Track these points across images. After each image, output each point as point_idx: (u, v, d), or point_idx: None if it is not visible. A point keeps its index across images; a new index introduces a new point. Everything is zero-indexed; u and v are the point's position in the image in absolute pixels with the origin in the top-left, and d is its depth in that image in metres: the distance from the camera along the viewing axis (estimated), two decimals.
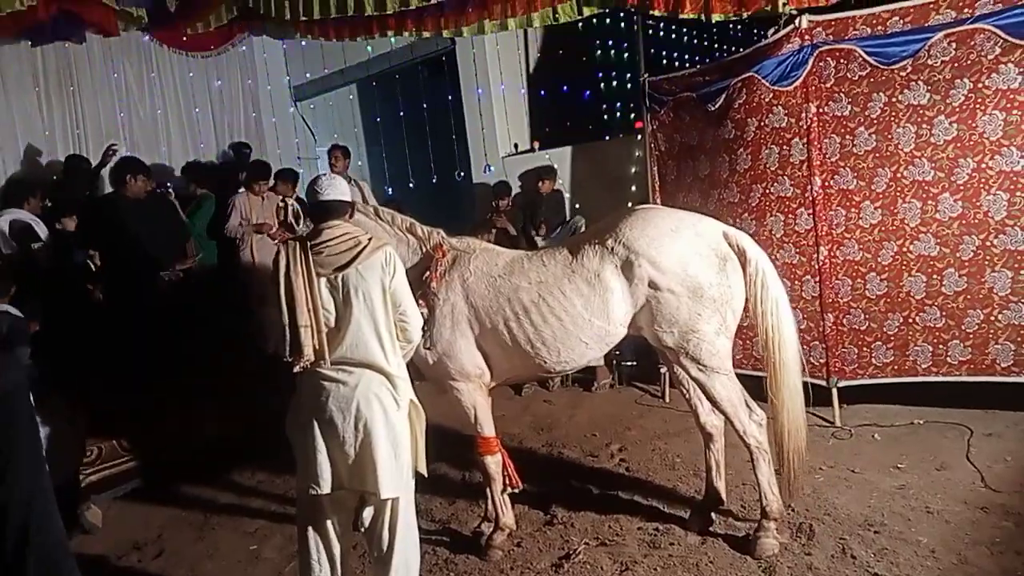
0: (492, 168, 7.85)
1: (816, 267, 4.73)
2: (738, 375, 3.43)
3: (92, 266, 5.59)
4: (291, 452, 2.90)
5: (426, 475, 2.99)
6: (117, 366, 4.99)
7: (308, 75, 9.44)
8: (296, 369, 2.77)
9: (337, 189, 2.94)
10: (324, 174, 3.10)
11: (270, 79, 9.20)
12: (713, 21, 5.01)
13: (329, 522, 2.92)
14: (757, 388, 3.48)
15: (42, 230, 5.11)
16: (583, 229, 6.96)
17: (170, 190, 6.63)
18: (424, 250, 3.54)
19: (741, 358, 4.92)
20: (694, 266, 3.23)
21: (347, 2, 5.57)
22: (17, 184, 5.84)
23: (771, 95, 4.73)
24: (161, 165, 7.77)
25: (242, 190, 6.45)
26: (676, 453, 4.56)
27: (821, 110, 4.58)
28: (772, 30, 4.82)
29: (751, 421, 3.32)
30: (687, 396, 3.61)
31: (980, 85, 4.10)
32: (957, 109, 4.20)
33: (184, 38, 7.27)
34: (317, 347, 2.75)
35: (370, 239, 2.88)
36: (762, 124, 4.82)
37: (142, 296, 5.60)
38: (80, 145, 7.36)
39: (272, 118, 9.24)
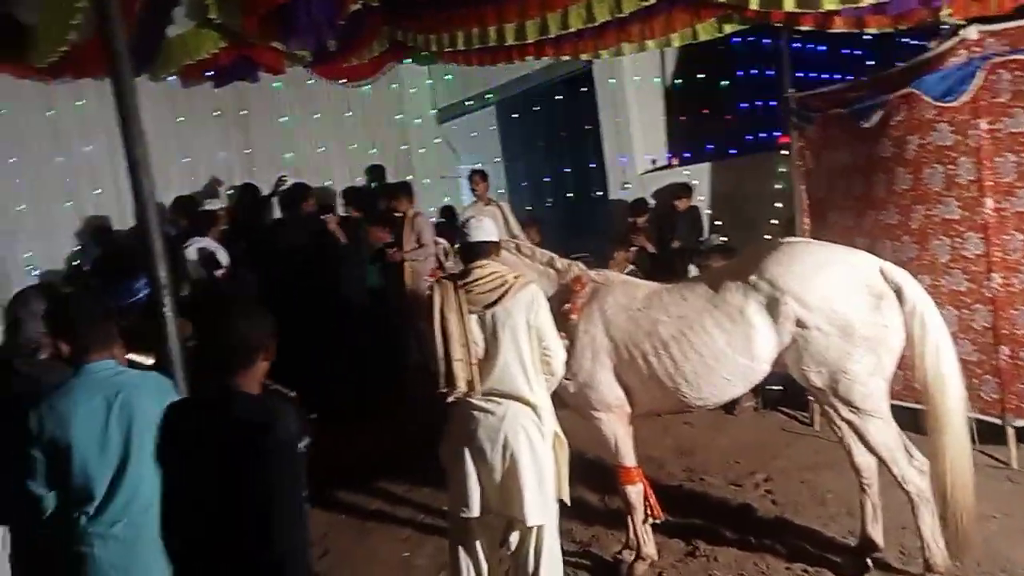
0: (629, 185, 7.85)
1: (989, 295, 4.37)
2: (898, 407, 3.26)
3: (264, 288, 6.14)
4: (438, 467, 3.10)
5: (569, 503, 3.10)
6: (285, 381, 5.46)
7: (450, 98, 9.87)
8: (450, 399, 2.98)
9: (484, 230, 3.13)
10: (472, 217, 3.29)
11: (417, 112, 9.75)
12: (866, 34, 4.83)
13: (478, 542, 3.12)
14: (919, 421, 3.29)
15: (224, 257, 5.71)
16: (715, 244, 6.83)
17: (334, 215, 7.16)
18: (562, 282, 3.64)
19: (901, 389, 4.62)
20: (844, 303, 3.11)
21: (489, 34, 5.78)
22: (202, 214, 6.54)
23: (934, 111, 4.42)
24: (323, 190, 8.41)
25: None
26: (827, 487, 4.37)
27: (993, 127, 4.23)
28: (933, 42, 4.51)
29: (911, 467, 3.14)
30: (840, 435, 3.46)
31: None
32: None
33: (340, 70, 7.84)
34: (469, 379, 2.95)
35: (516, 277, 3.04)
36: (924, 142, 4.52)
37: (305, 314, 6.11)
38: (252, 175, 8.12)
39: (420, 149, 9.77)
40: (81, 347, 2.54)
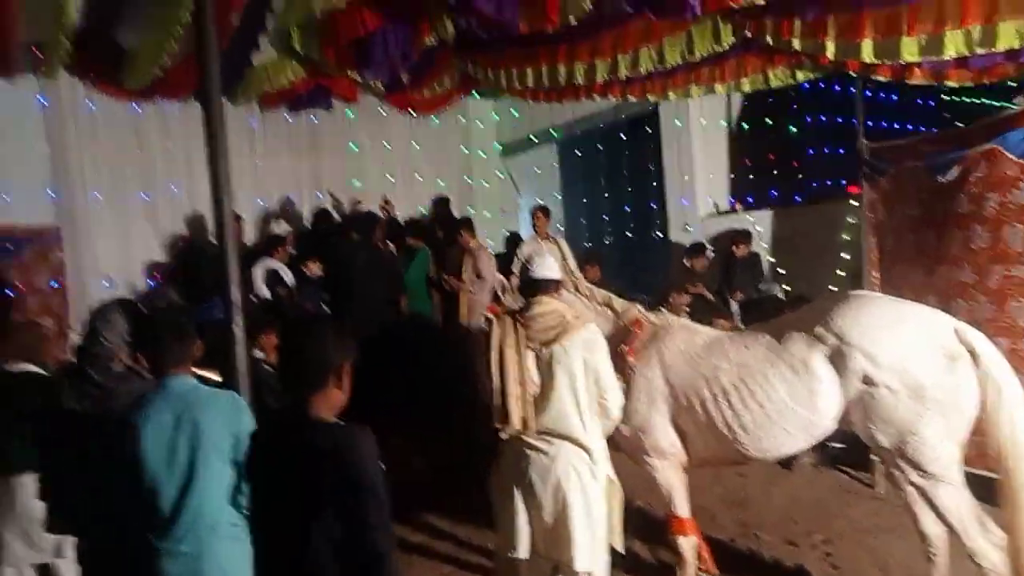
0: (691, 228, 7.78)
1: None
2: (971, 475, 3.10)
3: (326, 308, 6.28)
4: (485, 503, 3.07)
5: (623, 551, 3.03)
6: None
7: (515, 133, 10.02)
8: (503, 435, 2.96)
9: (547, 267, 3.13)
10: (537, 253, 3.31)
11: (482, 145, 9.91)
12: (947, 87, 4.73)
13: None
14: (993, 491, 3.12)
15: (288, 277, 5.87)
16: (775, 293, 6.69)
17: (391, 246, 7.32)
18: (619, 323, 3.61)
19: (974, 456, 4.40)
20: (916, 362, 3.01)
21: (559, 73, 5.85)
22: (269, 235, 6.75)
23: (1018, 169, 4.28)
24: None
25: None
26: (889, 553, 4.16)
27: None
28: (1019, 98, 4.39)
29: (984, 541, 2.97)
30: (906, 499, 3.31)
31: None
32: None
33: (411, 101, 8.07)
34: (524, 417, 2.93)
35: (576, 316, 3.03)
36: (1005, 200, 4.36)
37: (361, 337, 6.22)
38: (320, 200, 8.35)
39: (483, 182, 9.92)
40: (162, 362, 2.63)
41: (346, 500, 1.79)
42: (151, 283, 6.82)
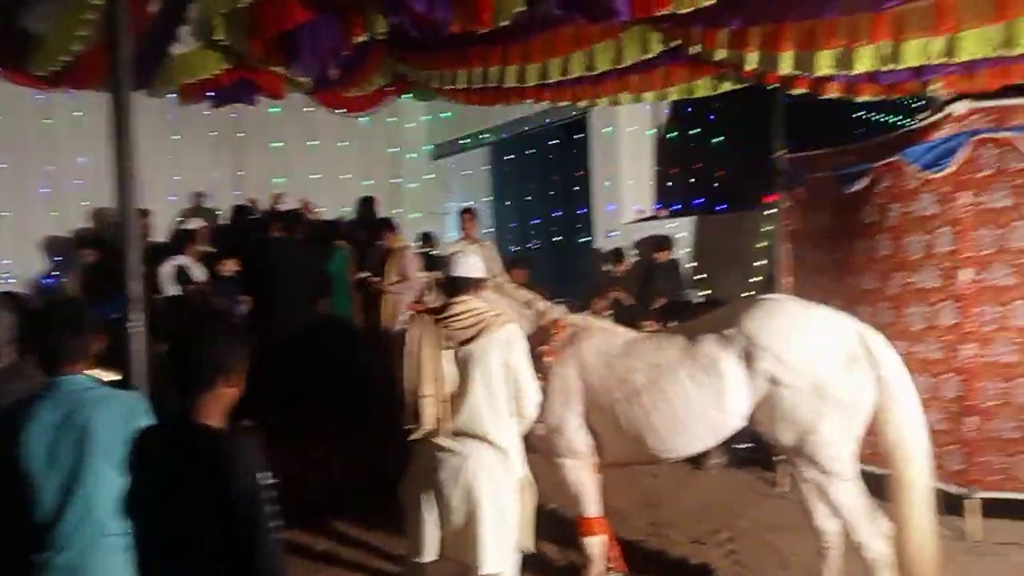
0: (615, 233, 7.91)
1: (959, 366, 4.39)
2: (866, 472, 3.24)
3: (244, 309, 6.08)
4: (397, 508, 3.01)
5: (533, 551, 3.02)
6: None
7: (446, 135, 9.98)
8: (415, 436, 2.91)
9: (468, 266, 3.10)
10: (457, 253, 3.28)
11: (412, 147, 9.83)
12: (857, 101, 4.93)
13: None
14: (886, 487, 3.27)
15: (198, 274, 5.66)
16: (692, 298, 6.86)
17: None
18: (541, 324, 3.62)
19: (870, 454, 4.61)
20: (820, 363, 3.12)
21: (491, 75, 5.85)
22: (181, 231, 6.50)
23: (918, 181, 4.51)
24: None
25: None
26: (791, 550, 4.29)
27: (975, 200, 4.31)
28: (923, 114, 4.62)
29: (874, 533, 3.10)
30: (804, 497, 3.42)
31: None
32: None
33: (340, 100, 7.92)
34: (438, 417, 2.89)
35: (496, 315, 3.01)
36: (907, 211, 4.59)
37: (278, 339, 6.07)
38: (241, 197, 8.10)
39: (412, 184, 9.84)
40: (54, 358, 2.43)
41: (224, 512, 1.69)
42: (49, 278, 6.48)
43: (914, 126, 4.67)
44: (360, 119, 8.82)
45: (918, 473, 3.11)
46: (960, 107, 4.33)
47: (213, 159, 8.11)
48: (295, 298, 6.36)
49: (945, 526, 4.29)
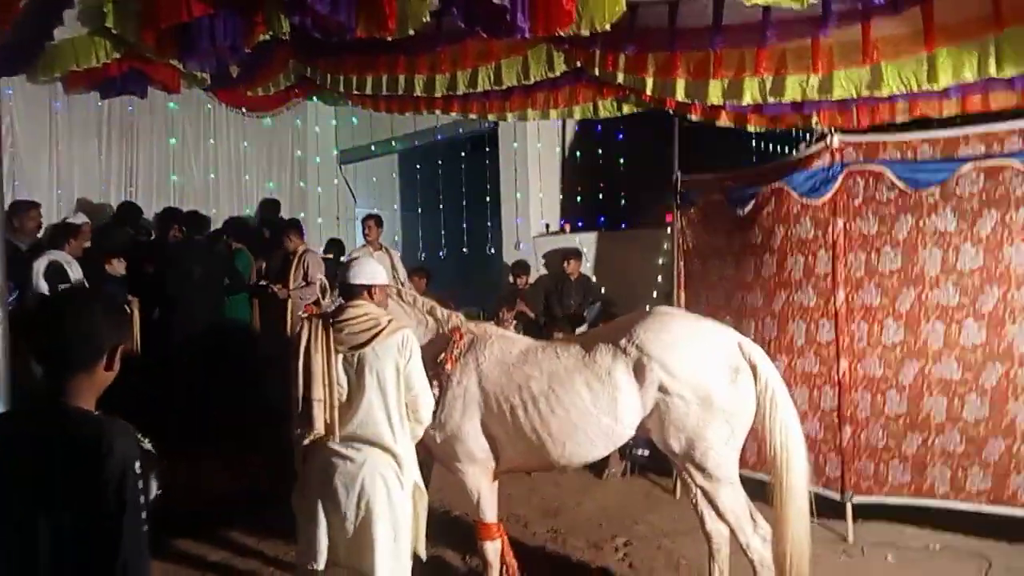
0: (523, 245, 8.02)
1: (836, 379, 4.71)
2: (754, 479, 3.41)
3: (128, 309, 5.77)
4: (292, 517, 2.94)
5: (424, 558, 3.01)
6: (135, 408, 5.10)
7: (354, 140, 9.85)
8: (305, 442, 2.85)
9: (366, 272, 3.08)
10: (356, 258, 3.25)
11: (319, 150, 9.63)
12: (748, 130, 5.23)
13: None
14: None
15: (75, 272, 5.32)
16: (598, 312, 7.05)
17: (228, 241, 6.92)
18: (440, 332, 3.63)
19: (756, 462, 4.86)
20: (706, 374, 3.27)
21: (399, 83, 5.84)
22: (59, 226, 6.11)
23: (799, 206, 4.82)
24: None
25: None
26: (682, 554, 4.47)
27: (848, 226, 4.65)
28: (804, 144, 4.95)
29: (755, 535, 3.28)
30: (694, 501, 3.58)
31: (1008, 218, 4.15)
32: (984, 239, 4.24)
33: (242, 99, 7.67)
34: (328, 422, 2.84)
35: (390, 321, 3.00)
36: (789, 233, 4.90)
37: (175, 341, 5.82)
38: (133, 194, 7.71)
39: (318, 188, 9.64)
40: None
41: (92, 504, 1.58)
42: None
43: (797, 155, 5.00)
44: (264, 119, 8.59)
45: (796, 477, 3.30)
46: (835, 141, 4.67)
47: (103, 153, 7.66)
48: (195, 303, 6.11)
49: (825, 529, 4.62)
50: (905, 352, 4.52)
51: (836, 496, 4.69)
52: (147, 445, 1.88)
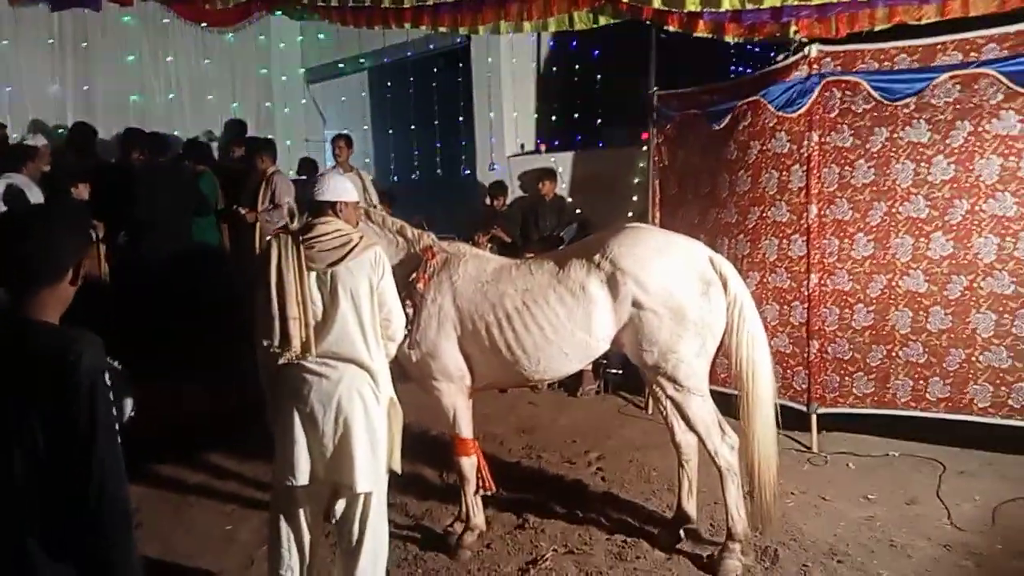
0: (497, 166, 7.89)
1: (806, 294, 4.77)
2: (723, 394, 3.50)
3: (95, 235, 5.63)
4: (270, 438, 2.96)
5: (400, 472, 3.06)
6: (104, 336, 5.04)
7: (322, 56, 9.49)
8: (282, 360, 2.84)
9: (335, 189, 3.00)
10: (324, 174, 3.16)
11: (284, 59, 9.25)
12: (726, 41, 5.10)
13: (302, 511, 2.99)
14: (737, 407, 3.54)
15: (35, 195, 5.14)
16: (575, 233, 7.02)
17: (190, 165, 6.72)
18: (411, 251, 3.59)
19: (726, 377, 4.97)
20: (678, 288, 3.28)
21: None
22: (16, 147, 5.87)
23: (775, 120, 4.76)
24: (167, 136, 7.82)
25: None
26: (653, 466, 4.62)
27: (823, 139, 4.62)
28: (781, 56, 4.85)
29: (723, 443, 3.37)
30: (664, 413, 3.67)
31: (980, 129, 4.14)
32: (956, 150, 4.24)
33: (201, 13, 7.30)
34: (304, 340, 2.82)
35: (361, 237, 2.95)
36: (764, 148, 4.86)
37: (141, 267, 5.71)
38: (91, 115, 7.39)
39: (284, 109, 9.31)
40: None
41: (62, 417, 1.55)
42: None
43: (773, 67, 4.90)
44: (226, 35, 8.22)
45: (763, 390, 3.38)
46: (813, 50, 4.58)
47: (54, 70, 7.30)
48: (161, 227, 5.97)
49: (791, 439, 4.78)
50: (874, 266, 4.58)
51: (803, 408, 4.83)
52: (117, 366, 1.86)
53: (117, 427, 1.65)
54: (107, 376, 1.61)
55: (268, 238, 2.97)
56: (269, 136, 8.46)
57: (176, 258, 6.01)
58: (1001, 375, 4.27)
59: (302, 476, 2.87)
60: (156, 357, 5.28)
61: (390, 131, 9.33)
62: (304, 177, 7.27)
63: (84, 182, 5.78)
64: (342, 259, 2.86)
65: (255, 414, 3.72)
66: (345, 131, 7.72)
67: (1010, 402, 4.26)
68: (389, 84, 9.35)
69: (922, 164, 4.35)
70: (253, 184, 6.51)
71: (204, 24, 7.67)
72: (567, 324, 3.35)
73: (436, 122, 8.60)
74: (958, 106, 4.19)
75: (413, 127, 8.85)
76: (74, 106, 7.40)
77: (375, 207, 6.42)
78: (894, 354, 4.58)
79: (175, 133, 7.97)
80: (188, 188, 6.35)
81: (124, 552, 1.63)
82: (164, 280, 5.78)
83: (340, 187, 3.04)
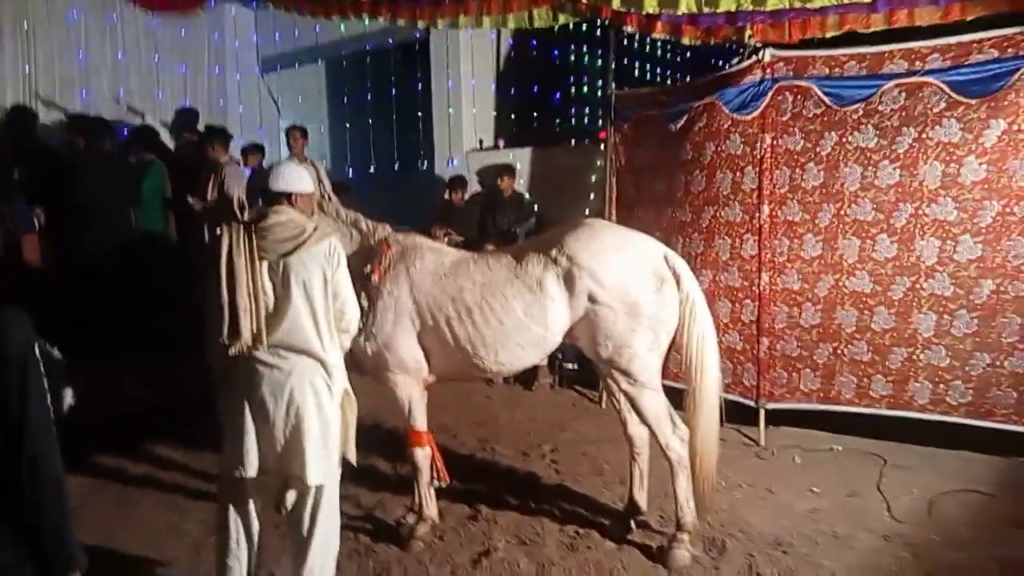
0: (455, 161, 7.87)
1: (757, 292, 4.88)
2: (675, 389, 3.56)
3: (36, 222, 5.43)
4: (217, 428, 2.90)
5: (355, 463, 3.04)
6: (47, 325, 4.87)
7: (278, 47, 9.33)
8: (232, 351, 2.78)
9: (289, 178, 2.96)
10: (280, 163, 3.12)
11: (239, 46, 9.05)
12: (682, 43, 5.19)
13: (251, 503, 2.95)
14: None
15: None
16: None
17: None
18: (366, 244, 3.56)
19: (678, 372, 5.05)
20: (633, 284, 3.33)
21: None
22: None
23: (730, 122, 4.86)
24: (120, 122, 7.58)
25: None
26: (605, 459, 4.67)
27: (775, 142, 4.73)
28: (736, 59, 4.95)
29: (674, 436, 3.43)
30: (618, 407, 3.71)
31: (924, 135, 4.30)
32: (901, 156, 4.39)
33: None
34: (255, 331, 2.77)
35: (316, 228, 2.91)
36: (719, 149, 4.95)
37: (85, 256, 5.53)
38: (30, 90, 7.12)
39: (237, 86, 9.10)
40: None
41: None
42: None
43: (729, 70, 5.00)
44: (176, 25, 8.05)
45: (709, 383, 3.44)
46: (766, 55, 4.69)
47: None
48: (104, 217, 5.78)
49: (740, 434, 4.89)
50: (822, 266, 4.71)
51: (752, 403, 4.94)
52: (57, 355, 1.81)
53: (53, 414, 1.62)
54: (37, 348, 1.58)
55: (219, 227, 2.91)
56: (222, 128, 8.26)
57: (120, 247, 5.84)
58: (940, 373, 4.43)
59: (251, 468, 2.82)
60: (100, 344, 5.14)
61: (347, 125, 9.20)
62: (251, 168, 7.11)
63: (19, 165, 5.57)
64: (295, 249, 2.82)
65: (201, 404, 3.66)
66: (299, 123, 7.59)
67: (948, 399, 4.43)
68: (346, 75, 9.23)
69: (869, 168, 4.49)
70: (206, 174, 6.36)
71: (152, 11, 7.48)
72: (525, 319, 3.37)
73: (394, 116, 8.53)
74: (904, 113, 4.34)
75: (371, 121, 8.75)
76: (19, 91, 7.11)
77: (330, 198, 6.38)
78: (840, 352, 4.72)
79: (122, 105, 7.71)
80: (131, 177, 6.15)
81: (59, 522, 1.64)
82: (107, 268, 5.61)
83: (295, 177, 2.99)
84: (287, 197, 2.93)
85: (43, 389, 1.58)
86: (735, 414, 4.54)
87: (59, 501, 1.64)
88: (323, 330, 2.88)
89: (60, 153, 5.93)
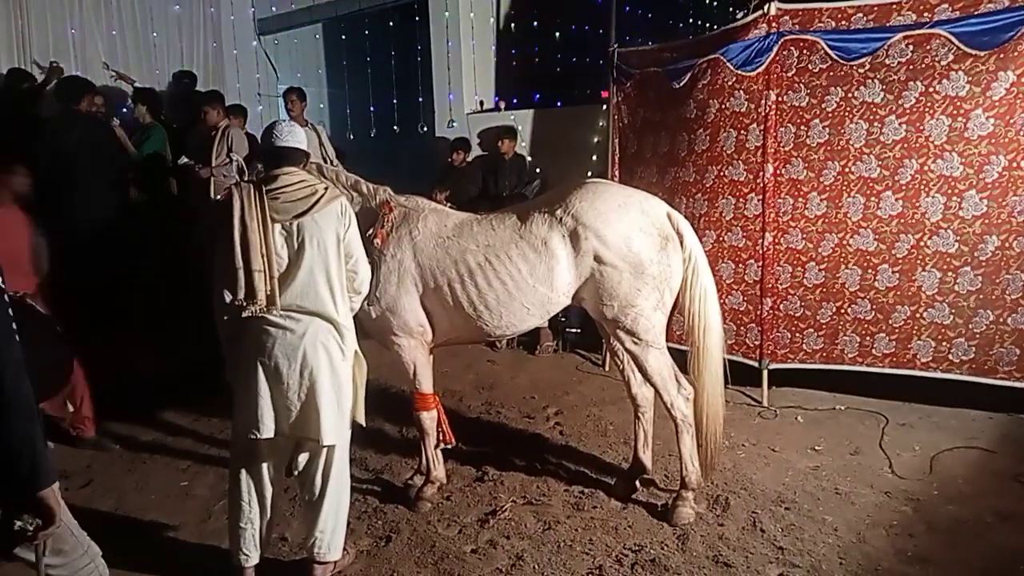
0: (456, 123, 7.78)
1: (760, 252, 4.86)
2: (679, 351, 3.56)
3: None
4: (225, 394, 2.91)
5: (364, 424, 3.06)
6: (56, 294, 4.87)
7: (274, 8, 9.16)
8: (246, 314, 2.77)
9: (295, 137, 2.93)
10: (282, 121, 3.07)
11: (234, 8, 8.89)
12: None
13: (264, 465, 2.97)
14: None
15: None
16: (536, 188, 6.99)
17: (115, 120, 6.41)
18: (367, 206, 3.53)
19: (681, 334, 5.06)
20: (638, 243, 3.31)
21: None
22: None
23: (734, 79, 4.78)
24: (114, 88, 7.48)
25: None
26: (609, 420, 4.71)
27: (780, 99, 4.66)
28: (741, 13, 4.85)
29: (679, 395, 3.45)
30: (621, 367, 3.73)
31: (931, 89, 4.23)
32: (907, 111, 4.32)
33: None
34: (269, 292, 2.77)
35: (327, 188, 2.89)
36: (723, 107, 4.88)
37: (79, 223, 5.48)
38: (24, 60, 7.02)
39: (233, 50, 8.96)
40: None
41: None
42: None
43: (733, 24, 4.90)
44: (173, 6, 7.92)
45: (712, 343, 3.46)
46: (772, 8, 4.59)
47: None
48: (97, 184, 5.71)
49: (743, 394, 4.92)
50: (826, 225, 4.68)
51: (755, 364, 4.96)
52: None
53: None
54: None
55: (229, 188, 2.88)
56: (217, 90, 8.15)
57: (115, 211, 5.77)
58: (943, 331, 4.43)
59: (267, 430, 2.83)
60: (105, 316, 5.15)
61: (346, 88, 9.07)
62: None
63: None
64: (308, 210, 2.81)
65: (209, 371, 3.67)
66: (297, 86, 7.49)
67: (950, 357, 4.44)
68: (345, 37, 9.07)
69: (875, 124, 4.43)
70: (200, 137, 6.28)
71: None
72: (529, 280, 3.35)
73: (393, 78, 8.40)
74: (911, 66, 4.26)
75: (370, 83, 8.62)
76: (11, 54, 7.00)
77: (332, 163, 6.33)
78: (843, 311, 4.71)
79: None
80: (104, 137, 5.98)
81: (31, 442, 1.65)
82: (100, 236, 5.53)
83: (299, 136, 2.96)
84: (294, 157, 2.90)
85: (6, 313, 1.60)
86: (738, 374, 4.55)
87: (30, 420, 1.65)
88: (336, 291, 2.88)
89: (65, 121, 5.81)
